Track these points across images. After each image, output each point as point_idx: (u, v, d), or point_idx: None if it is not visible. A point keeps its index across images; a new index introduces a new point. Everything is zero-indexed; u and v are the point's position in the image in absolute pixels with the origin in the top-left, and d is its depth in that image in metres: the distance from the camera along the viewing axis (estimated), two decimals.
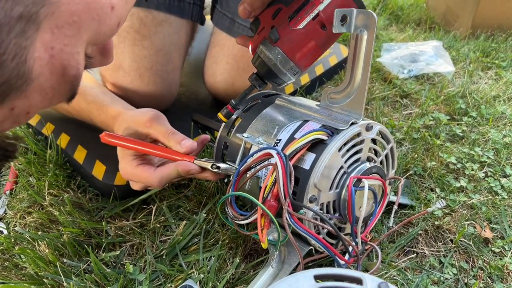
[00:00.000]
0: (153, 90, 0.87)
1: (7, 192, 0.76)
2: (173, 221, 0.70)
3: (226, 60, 0.91)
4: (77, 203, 0.73)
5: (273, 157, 0.52)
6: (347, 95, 0.58)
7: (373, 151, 0.61)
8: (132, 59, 0.84)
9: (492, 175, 0.81)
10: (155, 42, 0.86)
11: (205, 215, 0.69)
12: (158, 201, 0.73)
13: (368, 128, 0.57)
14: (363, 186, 0.54)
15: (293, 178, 0.51)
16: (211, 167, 0.60)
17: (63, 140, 0.82)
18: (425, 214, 0.70)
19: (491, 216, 0.72)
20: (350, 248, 0.54)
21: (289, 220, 0.50)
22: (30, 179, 0.77)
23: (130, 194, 0.74)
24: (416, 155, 0.84)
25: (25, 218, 0.71)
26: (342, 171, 0.56)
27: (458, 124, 0.96)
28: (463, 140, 0.91)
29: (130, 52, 0.84)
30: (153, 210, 0.70)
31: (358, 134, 0.57)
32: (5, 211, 0.73)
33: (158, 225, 0.68)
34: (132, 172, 0.64)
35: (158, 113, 0.66)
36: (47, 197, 0.73)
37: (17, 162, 0.80)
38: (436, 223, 0.70)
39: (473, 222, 0.71)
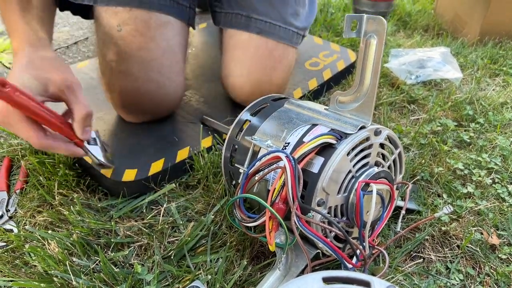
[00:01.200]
0: (163, 93, 0.87)
1: (18, 191, 0.77)
2: (181, 222, 0.70)
3: (250, 62, 0.91)
4: (86, 203, 0.74)
5: (282, 160, 0.52)
6: (356, 100, 0.58)
7: (381, 156, 0.61)
8: (140, 64, 0.84)
9: (500, 182, 0.81)
10: (161, 44, 0.86)
11: (212, 217, 0.69)
12: (167, 202, 0.74)
13: (377, 132, 0.58)
14: (371, 191, 0.54)
15: (301, 181, 0.52)
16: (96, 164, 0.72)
17: None
18: (432, 219, 0.70)
19: (498, 223, 0.72)
20: (358, 252, 0.55)
21: (297, 223, 0.51)
22: (41, 178, 0.78)
23: (138, 191, 0.76)
24: (423, 161, 0.84)
25: (35, 217, 0.72)
26: (350, 175, 0.56)
27: (465, 130, 0.96)
28: (471, 146, 0.91)
29: (137, 57, 0.84)
30: (162, 211, 0.71)
31: (367, 139, 0.57)
32: (15, 209, 0.74)
33: (166, 226, 0.69)
34: (18, 120, 0.61)
35: (75, 79, 0.67)
36: (57, 196, 0.74)
37: (28, 162, 0.81)
38: (443, 228, 0.70)
39: (480, 228, 0.71)
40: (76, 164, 0.82)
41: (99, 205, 0.73)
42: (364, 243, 0.56)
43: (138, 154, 0.82)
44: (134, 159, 0.80)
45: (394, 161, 0.63)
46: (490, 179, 0.81)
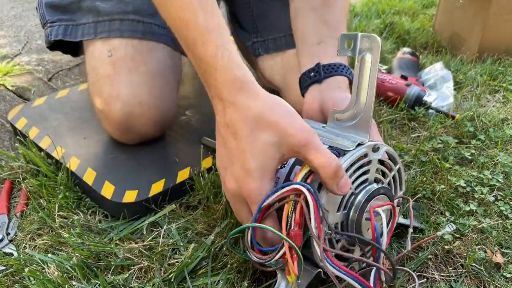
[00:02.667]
0: (154, 114, 0.86)
1: (18, 214, 0.77)
2: (181, 244, 0.70)
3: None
4: (86, 225, 0.73)
5: (301, 192, 0.49)
6: (353, 117, 0.59)
7: (380, 172, 0.61)
8: (129, 88, 0.84)
9: (502, 199, 0.80)
10: (151, 67, 0.86)
11: (213, 238, 0.69)
12: (167, 223, 0.74)
13: (375, 149, 0.57)
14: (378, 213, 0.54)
15: (325, 212, 0.50)
16: None
17: (73, 163, 0.83)
18: (435, 238, 0.69)
19: (502, 241, 0.71)
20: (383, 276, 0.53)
21: (325, 262, 0.49)
22: (41, 201, 0.78)
23: (138, 212, 0.76)
24: (424, 178, 0.83)
25: (35, 240, 0.72)
26: (349, 192, 0.56)
27: (466, 147, 0.96)
28: (472, 163, 0.91)
29: (127, 81, 0.84)
30: (162, 233, 0.71)
31: (365, 155, 0.57)
32: (15, 233, 0.74)
33: (167, 248, 0.68)
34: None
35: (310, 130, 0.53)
36: (57, 219, 0.73)
37: (29, 185, 0.81)
38: (446, 247, 0.69)
39: (483, 246, 0.70)
40: (77, 186, 0.82)
41: (99, 227, 0.73)
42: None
43: (139, 175, 0.82)
44: (134, 180, 0.80)
45: (393, 177, 0.63)
46: (493, 196, 0.80)
